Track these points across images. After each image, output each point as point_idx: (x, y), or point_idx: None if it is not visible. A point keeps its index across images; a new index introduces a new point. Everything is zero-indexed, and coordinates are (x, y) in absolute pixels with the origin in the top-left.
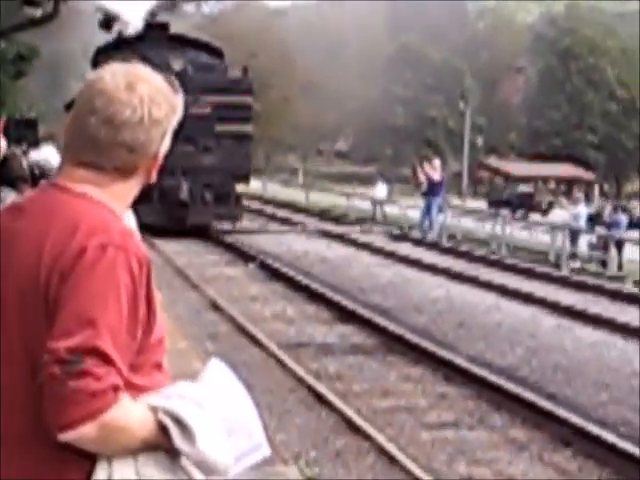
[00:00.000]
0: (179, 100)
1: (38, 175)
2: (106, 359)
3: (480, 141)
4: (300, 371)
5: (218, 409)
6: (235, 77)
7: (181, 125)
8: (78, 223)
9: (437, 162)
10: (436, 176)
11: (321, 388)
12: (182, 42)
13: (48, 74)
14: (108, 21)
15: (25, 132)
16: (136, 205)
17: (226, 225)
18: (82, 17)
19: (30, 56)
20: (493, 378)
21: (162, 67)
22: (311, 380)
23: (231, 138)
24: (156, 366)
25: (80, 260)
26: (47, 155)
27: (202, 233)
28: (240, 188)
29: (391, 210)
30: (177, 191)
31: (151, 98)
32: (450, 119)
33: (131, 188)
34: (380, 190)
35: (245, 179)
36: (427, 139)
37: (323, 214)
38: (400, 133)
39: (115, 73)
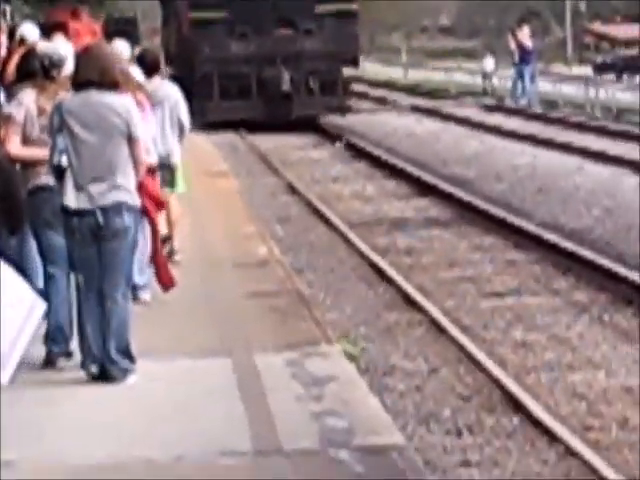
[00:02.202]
0: None
1: (48, 66)
2: None
3: (583, 6)
4: (365, 248)
5: None
6: None
7: (275, 6)
8: None
9: (526, 29)
10: (527, 43)
11: (384, 264)
12: None
13: None
14: None
15: (124, 30)
16: (233, 101)
17: (334, 117)
18: None
19: None
20: (563, 242)
21: None
22: (375, 256)
23: (335, 18)
24: None
25: None
26: (57, 45)
27: (309, 127)
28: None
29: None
30: (278, 82)
31: None
32: None
33: None
34: (488, 63)
35: (353, 63)
36: (529, 8)
37: (417, 90)
38: (502, 4)
39: None
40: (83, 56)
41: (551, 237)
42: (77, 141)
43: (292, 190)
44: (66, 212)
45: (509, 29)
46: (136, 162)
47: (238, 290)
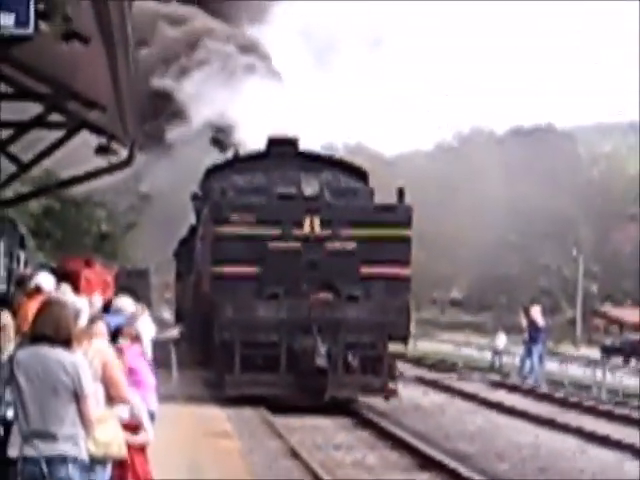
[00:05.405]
0: None
1: None
2: None
3: (595, 288)
4: None
5: None
6: (388, 204)
7: (314, 265)
8: None
9: (537, 309)
10: (539, 322)
11: None
12: (315, 161)
13: (163, 222)
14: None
15: (136, 282)
16: (258, 374)
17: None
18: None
19: (142, 206)
20: None
21: (292, 191)
22: None
23: (384, 284)
24: None
25: None
26: (72, 298)
27: (344, 410)
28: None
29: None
30: (312, 354)
31: None
32: (564, 267)
33: None
34: (500, 339)
35: (403, 339)
36: (541, 287)
37: (425, 361)
38: (514, 281)
39: None
40: (40, 310)
41: None
42: (23, 394)
43: (294, 455)
44: (8, 463)
45: (522, 306)
46: (84, 419)
47: None
